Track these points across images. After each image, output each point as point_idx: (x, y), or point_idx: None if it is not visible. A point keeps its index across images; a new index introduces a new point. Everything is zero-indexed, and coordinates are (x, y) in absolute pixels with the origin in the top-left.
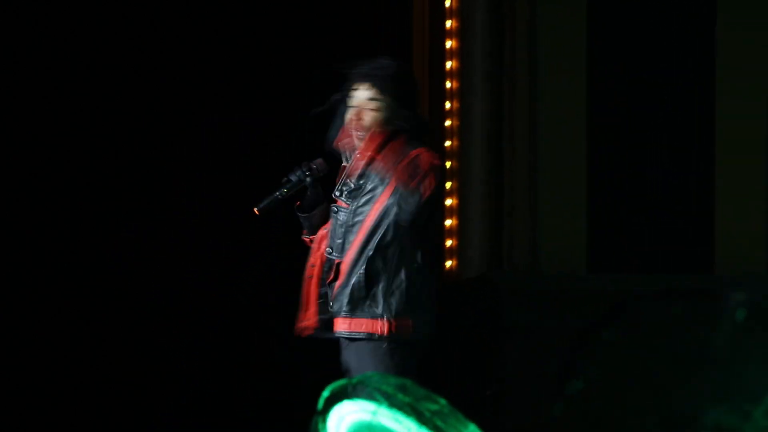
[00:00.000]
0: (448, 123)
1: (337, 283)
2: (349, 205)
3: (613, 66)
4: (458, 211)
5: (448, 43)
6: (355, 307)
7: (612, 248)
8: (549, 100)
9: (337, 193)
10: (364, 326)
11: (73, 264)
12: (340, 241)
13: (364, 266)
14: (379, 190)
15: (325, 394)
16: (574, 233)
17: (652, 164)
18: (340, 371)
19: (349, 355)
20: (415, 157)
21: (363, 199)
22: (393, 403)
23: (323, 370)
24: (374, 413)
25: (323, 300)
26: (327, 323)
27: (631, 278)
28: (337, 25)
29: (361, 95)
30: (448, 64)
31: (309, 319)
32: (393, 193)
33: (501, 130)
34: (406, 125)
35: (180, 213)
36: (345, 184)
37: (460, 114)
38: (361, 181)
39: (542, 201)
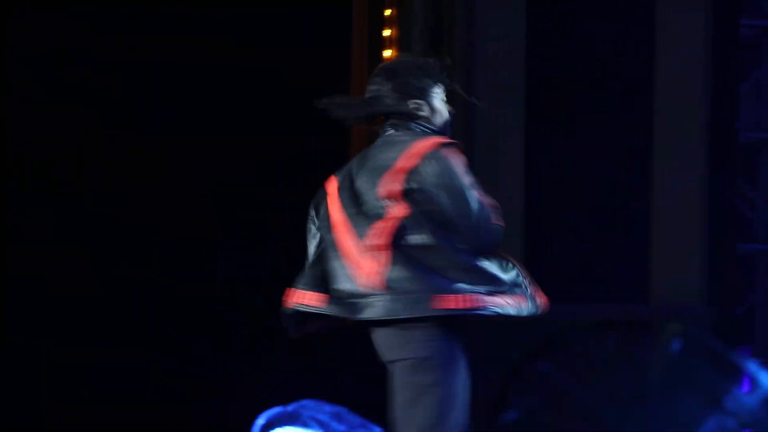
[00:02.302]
0: None
1: None
2: None
3: (550, 108)
4: None
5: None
6: None
7: (548, 277)
8: (485, 130)
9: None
10: None
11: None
12: None
13: None
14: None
15: (260, 421)
16: None
17: (588, 192)
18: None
19: None
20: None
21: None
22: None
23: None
24: None
25: None
26: None
27: (567, 308)
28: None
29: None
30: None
31: None
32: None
33: None
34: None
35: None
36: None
37: None
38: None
39: None
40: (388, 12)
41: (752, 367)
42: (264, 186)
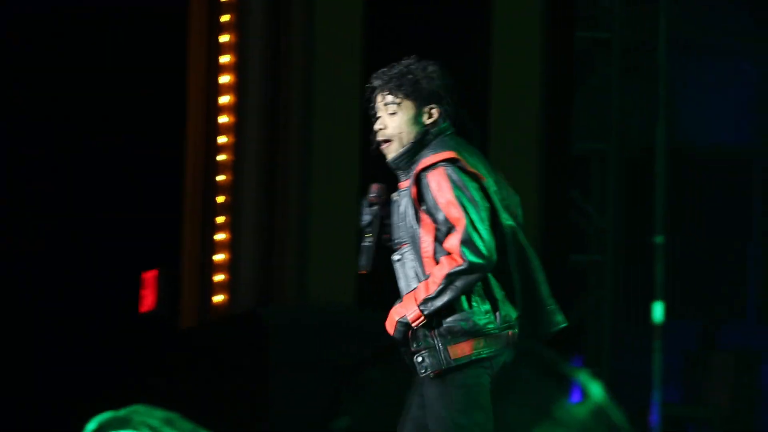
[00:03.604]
0: (221, 157)
1: None
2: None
3: None
4: (230, 246)
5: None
6: None
7: (381, 284)
8: (322, 144)
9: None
10: None
11: None
12: None
13: None
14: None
15: (91, 426)
16: (343, 272)
17: None
18: None
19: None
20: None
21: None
22: None
23: None
24: None
25: None
26: None
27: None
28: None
29: (379, 102)
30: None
31: None
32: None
33: (274, 170)
34: (433, 125)
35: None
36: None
37: (234, 150)
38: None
39: (313, 239)
40: (225, 18)
41: (583, 377)
42: (106, 188)
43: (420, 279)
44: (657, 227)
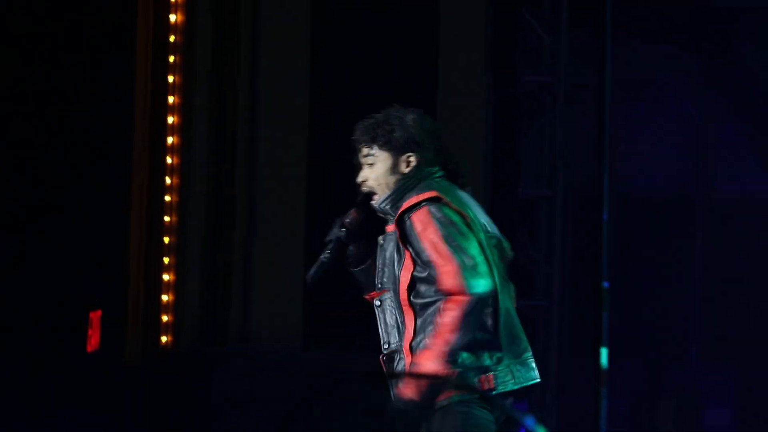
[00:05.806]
0: (167, 198)
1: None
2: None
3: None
4: (174, 286)
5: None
6: None
7: (327, 325)
8: (270, 172)
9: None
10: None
11: None
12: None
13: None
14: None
15: None
16: (288, 312)
17: None
18: None
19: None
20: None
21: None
22: None
23: None
24: None
25: None
26: None
27: (345, 356)
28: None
29: (360, 155)
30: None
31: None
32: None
33: (220, 210)
34: (412, 171)
35: None
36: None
37: (179, 190)
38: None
39: (258, 277)
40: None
41: (529, 420)
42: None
43: (399, 327)
44: (603, 273)
